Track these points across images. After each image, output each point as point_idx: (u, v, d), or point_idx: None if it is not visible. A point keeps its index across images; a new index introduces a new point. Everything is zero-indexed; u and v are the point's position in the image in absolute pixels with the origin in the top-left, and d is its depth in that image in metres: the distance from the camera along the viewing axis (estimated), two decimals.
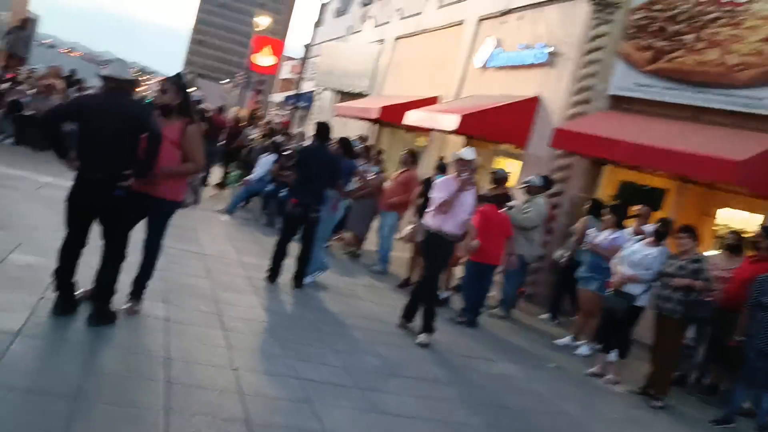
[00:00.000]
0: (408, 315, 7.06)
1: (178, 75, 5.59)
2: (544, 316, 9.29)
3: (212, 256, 8.14)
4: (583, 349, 7.77)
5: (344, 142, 8.64)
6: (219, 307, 6.10)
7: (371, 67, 20.15)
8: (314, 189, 7.57)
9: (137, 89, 5.21)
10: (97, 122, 4.71)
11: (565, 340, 8.05)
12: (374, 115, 16.21)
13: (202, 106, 12.15)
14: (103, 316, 4.84)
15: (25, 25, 16.24)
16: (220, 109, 16.88)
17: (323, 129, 8.01)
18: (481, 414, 5.24)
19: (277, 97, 36.49)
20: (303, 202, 7.54)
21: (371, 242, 10.71)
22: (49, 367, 4.06)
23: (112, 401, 3.77)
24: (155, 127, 4.87)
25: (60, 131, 4.83)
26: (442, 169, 9.62)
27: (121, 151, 4.74)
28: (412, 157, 10.22)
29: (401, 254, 9.96)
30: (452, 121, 11.54)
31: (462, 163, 6.81)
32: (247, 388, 4.45)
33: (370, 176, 10.46)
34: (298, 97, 25.27)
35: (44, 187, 9.29)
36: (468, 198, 6.85)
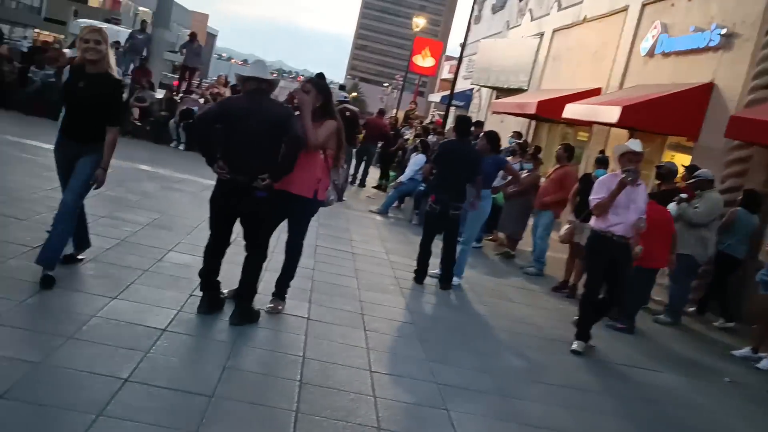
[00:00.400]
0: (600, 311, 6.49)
1: (319, 75, 5.59)
2: (719, 323, 8.43)
3: (362, 255, 8.16)
4: (765, 363, 6.92)
5: (490, 136, 8.26)
6: (363, 307, 6.05)
7: (529, 61, 19.54)
8: (453, 185, 7.29)
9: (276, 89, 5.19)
10: (241, 124, 4.75)
11: (744, 351, 7.22)
12: (531, 111, 15.71)
13: (344, 106, 12.26)
14: (245, 316, 4.92)
15: (194, 39, 17.43)
16: (380, 112, 17.13)
17: (463, 123, 7.75)
18: (638, 430, 4.76)
19: (435, 97, 36.60)
20: (441, 199, 7.32)
21: (526, 243, 10.31)
22: (189, 364, 4.16)
23: (245, 400, 3.78)
24: (297, 129, 4.89)
25: (210, 135, 4.94)
26: (602, 163, 9.04)
27: (263, 154, 4.75)
28: (568, 152, 9.63)
29: (558, 255, 9.48)
30: (613, 113, 10.87)
31: (629, 157, 6.11)
32: (382, 391, 4.32)
33: (524, 174, 10.06)
34: (454, 95, 25.12)
35: (207, 190, 9.79)
36: (639, 195, 6.15)
